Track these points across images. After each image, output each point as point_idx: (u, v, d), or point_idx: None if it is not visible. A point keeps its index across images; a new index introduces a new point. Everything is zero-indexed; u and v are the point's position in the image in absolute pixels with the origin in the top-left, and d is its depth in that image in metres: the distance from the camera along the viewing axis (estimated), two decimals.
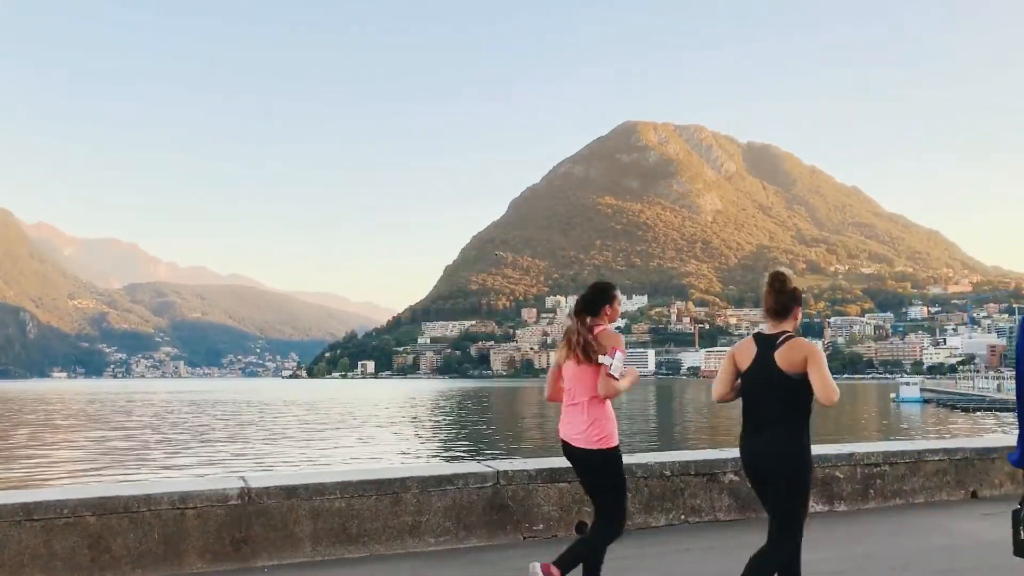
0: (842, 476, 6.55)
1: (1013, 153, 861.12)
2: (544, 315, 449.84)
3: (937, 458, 6.98)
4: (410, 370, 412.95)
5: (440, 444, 35.36)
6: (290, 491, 5.03)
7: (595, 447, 4.01)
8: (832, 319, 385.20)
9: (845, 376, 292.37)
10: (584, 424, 4.03)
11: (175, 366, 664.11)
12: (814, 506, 6.37)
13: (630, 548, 5.23)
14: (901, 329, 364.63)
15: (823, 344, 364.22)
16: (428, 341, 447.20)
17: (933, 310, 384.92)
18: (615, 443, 4.07)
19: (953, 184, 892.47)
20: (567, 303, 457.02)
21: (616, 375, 4.07)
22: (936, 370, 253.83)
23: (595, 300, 4.25)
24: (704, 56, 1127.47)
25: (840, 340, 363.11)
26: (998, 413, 55.51)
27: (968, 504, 6.78)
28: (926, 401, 73.07)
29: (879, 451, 6.82)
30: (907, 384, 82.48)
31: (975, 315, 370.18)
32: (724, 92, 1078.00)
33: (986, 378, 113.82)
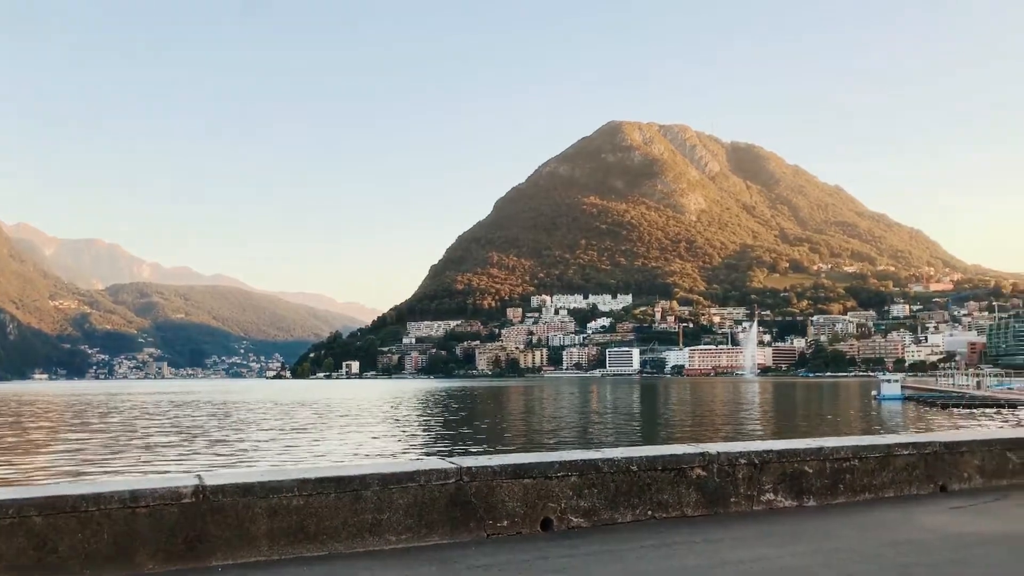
0: (811, 471, 6.49)
1: (993, 152, 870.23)
2: (529, 314, 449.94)
3: (907, 452, 6.94)
4: (395, 370, 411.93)
5: (409, 442, 35.25)
6: (246, 489, 4.90)
7: None
8: (815, 317, 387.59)
9: (828, 374, 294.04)
10: None
11: (158, 367, 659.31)
12: (782, 501, 6.33)
13: (595, 544, 5.16)
14: (883, 327, 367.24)
15: (806, 342, 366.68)
16: (413, 341, 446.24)
17: (915, 308, 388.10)
18: None
19: (935, 183, 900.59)
20: (552, 302, 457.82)
21: None
22: (917, 367, 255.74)
23: None
24: (689, 56, 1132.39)
25: (823, 338, 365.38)
26: (976, 409, 56.01)
27: (937, 498, 6.75)
28: (907, 398, 73.62)
29: (849, 445, 6.77)
30: (888, 381, 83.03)
31: (956, 313, 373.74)
32: (708, 92, 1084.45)
33: (966, 375, 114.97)
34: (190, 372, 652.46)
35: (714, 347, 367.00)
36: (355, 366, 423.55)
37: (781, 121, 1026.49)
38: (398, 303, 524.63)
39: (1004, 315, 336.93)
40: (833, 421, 48.72)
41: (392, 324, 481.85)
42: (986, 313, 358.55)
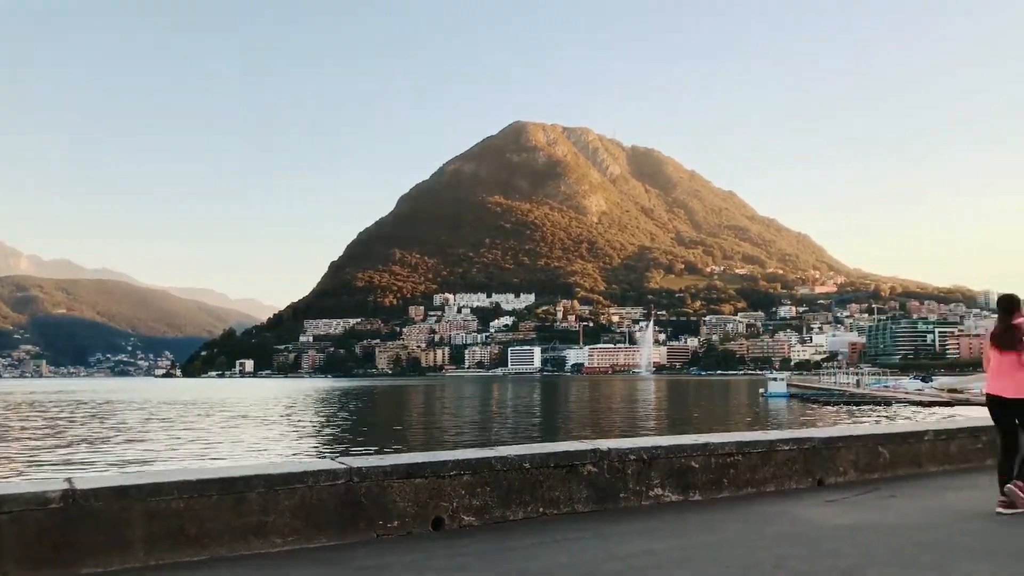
0: (698, 466, 6.69)
1: (876, 160, 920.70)
2: (432, 313, 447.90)
3: (787, 448, 7.25)
4: (291, 369, 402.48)
5: (300, 442, 34.51)
6: (121, 492, 4.68)
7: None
8: (708, 317, 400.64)
9: (719, 372, 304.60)
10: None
11: (36, 365, 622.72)
12: (670, 496, 6.50)
13: (485, 543, 5.17)
14: (771, 327, 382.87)
15: (699, 341, 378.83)
16: (311, 339, 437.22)
17: (801, 310, 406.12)
18: None
19: (821, 190, 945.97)
20: (455, 301, 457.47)
21: None
22: (802, 366, 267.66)
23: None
24: (592, 59, 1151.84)
25: (715, 338, 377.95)
26: (855, 406, 59.12)
27: (814, 491, 7.07)
28: (792, 396, 76.83)
29: (733, 441, 7.02)
30: (775, 380, 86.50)
31: (839, 315, 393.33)
32: (611, 96, 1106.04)
33: (847, 374, 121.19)
34: (72, 371, 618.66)
35: (612, 346, 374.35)
36: (249, 364, 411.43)
37: (679, 127, 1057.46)
38: (296, 300, 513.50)
39: (882, 317, 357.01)
40: (723, 418, 50.49)
41: (289, 321, 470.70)
42: (866, 315, 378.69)
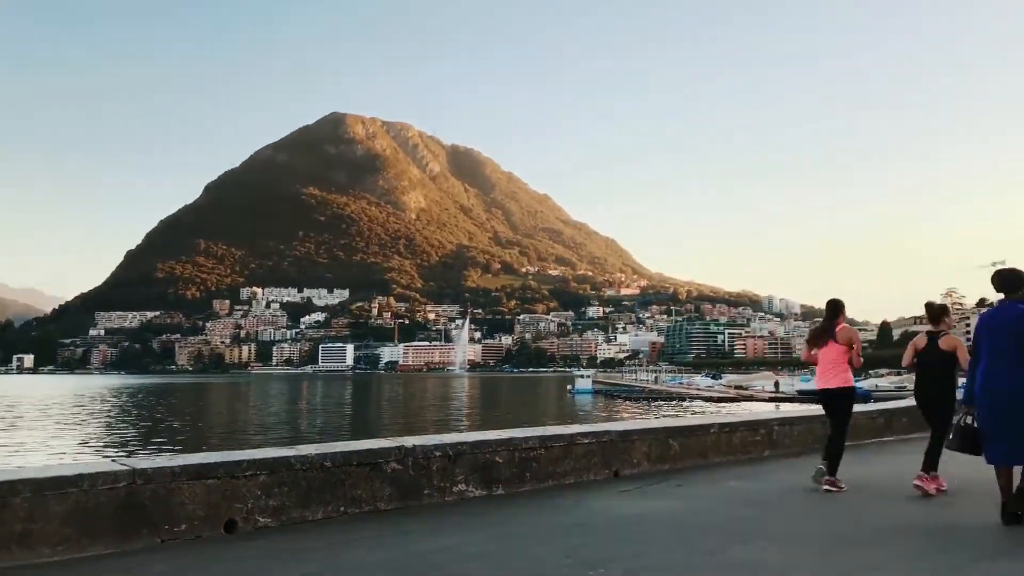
0: (501, 461, 6.81)
1: (678, 170, 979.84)
2: (238, 307, 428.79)
3: (587, 441, 7.53)
4: (79, 364, 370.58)
5: (82, 444, 31.93)
6: None
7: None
8: (521, 316, 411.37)
9: (531, 369, 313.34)
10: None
11: None
12: (474, 491, 6.57)
13: (280, 543, 4.98)
14: (580, 327, 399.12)
15: (512, 340, 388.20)
16: (102, 333, 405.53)
17: (608, 310, 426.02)
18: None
19: (630, 197, 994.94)
20: (264, 295, 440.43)
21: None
22: (608, 364, 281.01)
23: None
24: (416, 55, 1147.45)
25: (528, 336, 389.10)
26: (654, 402, 62.86)
27: (610, 482, 7.40)
28: (597, 392, 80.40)
29: (536, 436, 7.20)
30: (581, 377, 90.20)
31: (641, 315, 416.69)
32: (433, 93, 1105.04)
33: (647, 371, 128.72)
34: None
35: (428, 344, 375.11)
36: (29, 360, 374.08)
37: (498, 128, 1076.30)
38: (85, 290, 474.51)
39: (680, 318, 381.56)
40: (532, 414, 51.95)
41: (77, 314, 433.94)
42: (665, 316, 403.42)
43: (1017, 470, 5.45)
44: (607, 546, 4.93)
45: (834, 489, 6.94)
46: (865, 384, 57.24)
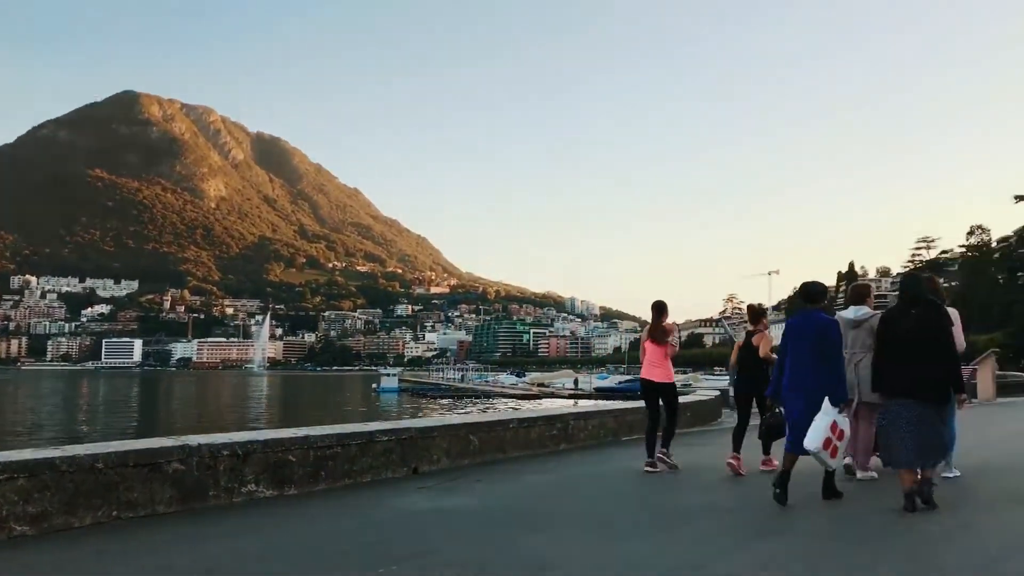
0: (295, 459, 6.56)
1: (488, 171, 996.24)
2: (8, 296, 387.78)
3: (386, 438, 7.43)
4: None
5: None
6: None
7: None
8: (327, 313, 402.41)
9: (335, 368, 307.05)
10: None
11: None
12: (264, 491, 6.28)
13: (40, 554, 4.49)
14: (388, 325, 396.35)
15: (316, 337, 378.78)
16: None
17: (416, 308, 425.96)
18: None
19: (440, 193, 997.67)
20: (39, 284, 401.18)
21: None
22: (415, 363, 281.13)
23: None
24: (220, 35, 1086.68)
25: (333, 333, 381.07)
26: (460, 399, 63.58)
27: (409, 479, 7.34)
28: (403, 390, 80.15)
29: (334, 433, 7.00)
30: (387, 375, 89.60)
31: (450, 314, 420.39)
32: (238, 77, 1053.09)
33: (454, 370, 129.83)
34: None
35: (225, 340, 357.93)
36: None
37: (307, 119, 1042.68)
38: None
39: (488, 317, 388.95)
40: (335, 413, 50.87)
41: None
42: (474, 315, 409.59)
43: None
44: (401, 543, 4.86)
45: (654, 471, 7.75)
46: None
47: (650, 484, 7.26)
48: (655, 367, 8.14)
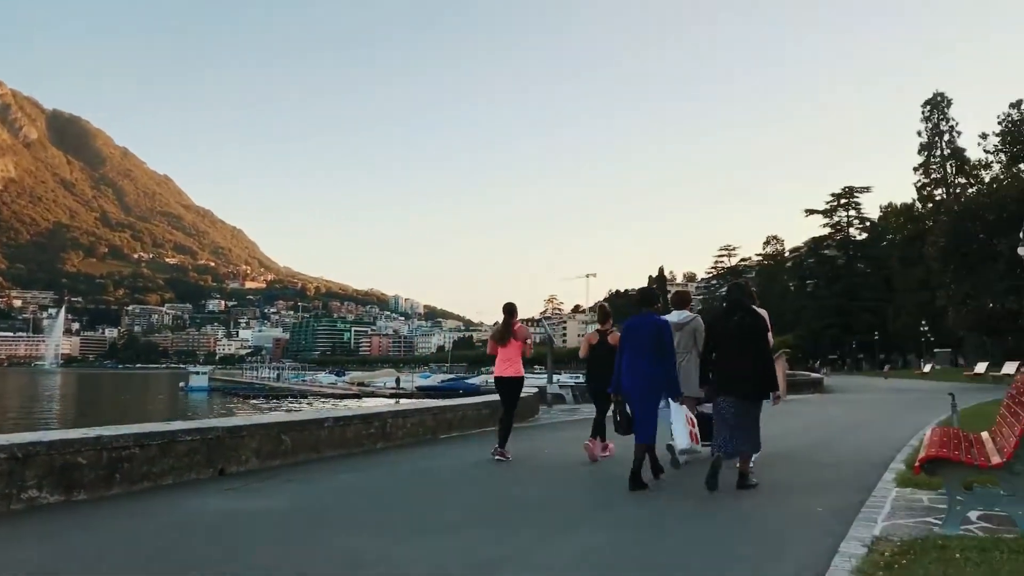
0: (86, 462, 6.06)
1: (310, 157, 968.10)
2: None
3: (190, 438, 7.02)
4: None
5: None
6: None
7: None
8: (131, 307, 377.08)
9: (139, 365, 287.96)
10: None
11: None
12: (48, 497, 5.75)
13: None
14: (199, 321, 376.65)
15: (119, 332, 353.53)
16: None
17: (230, 304, 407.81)
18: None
19: (259, 186, 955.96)
20: None
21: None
22: (228, 361, 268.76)
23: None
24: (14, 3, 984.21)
25: (138, 329, 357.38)
26: (275, 399, 61.37)
27: (215, 481, 6.98)
28: (213, 389, 76.39)
29: (131, 434, 6.53)
30: (197, 374, 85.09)
31: (267, 311, 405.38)
32: (34, 49, 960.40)
33: (269, 368, 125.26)
34: None
35: (12, 335, 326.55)
36: None
37: (113, 98, 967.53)
38: None
39: (307, 315, 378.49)
40: (137, 413, 47.64)
41: None
42: (292, 312, 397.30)
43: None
44: (201, 548, 4.59)
45: (503, 459, 8.35)
46: (477, 380, 61.82)
47: (467, 478, 7.31)
48: (507, 364, 8.80)
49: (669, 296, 8.55)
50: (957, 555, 3.66)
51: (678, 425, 7.18)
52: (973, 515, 4.69)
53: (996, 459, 4.34)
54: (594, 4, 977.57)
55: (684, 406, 7.18)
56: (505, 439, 8.55)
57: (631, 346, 6.81)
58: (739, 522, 5.19)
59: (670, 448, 7.54)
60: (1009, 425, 4.71)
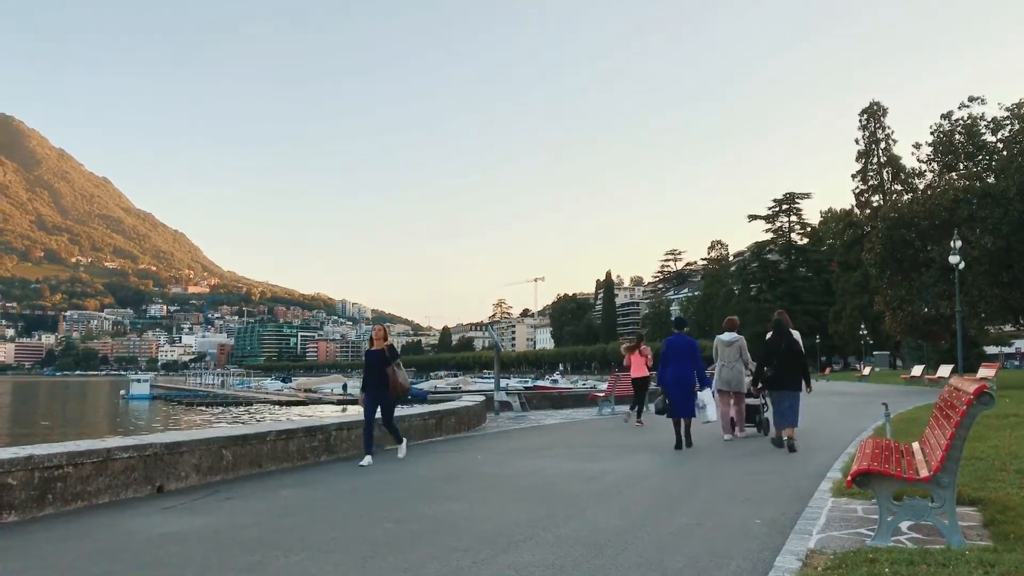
0: (16, 482, 5.87)
1: (258, 160, 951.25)
2: None
3: (127, 455, 6.86)
4: None
5: None
6: None
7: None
8: (69, 313, 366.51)
9: (78, 373, 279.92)
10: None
11: None
12: None
13: None
14: (140, 326, 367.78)
15: (56, 339, 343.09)
16: None
17: (172, 309, 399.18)
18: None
19: (200, 185, 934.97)
20: None
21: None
22: (171, 367, 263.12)
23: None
24: None
25: (76, 335, 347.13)
26: (219, 407, 60.18)
27: (153, 499, 6.82)
28: (155, 397, 74.67)
29: (64, 452, 6.35)
30: (138, 381, 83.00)
31: (210, 316, 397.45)
32: None
33: (213, 375, 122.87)
34: None
35: None
36: None
37: (49, 98, 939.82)
38: None
39: (252, 320, 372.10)
40: (76, 423, 46.26)
41: None
42: (237, 317, 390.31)
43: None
44: (135, 571, 4.47)
45: (640, 425, 14.34)
46: (425, 385, 61.42)
47: (409, 492, 7.25)
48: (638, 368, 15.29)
49: (723, 322, 12.09)
50: (887, 569, 3.76)
51: (710, 408, 11.21)
52: (904, 525, 4.84)
53: (924, 472, 4.48)
54: (508, 5, 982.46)
55: (718, 396, 11.48)
56: (640, 412, 14.75)
57: (672, 355, 10.54)
58: (683, 536, 5.25)
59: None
60: (936, 437, 4.86)
